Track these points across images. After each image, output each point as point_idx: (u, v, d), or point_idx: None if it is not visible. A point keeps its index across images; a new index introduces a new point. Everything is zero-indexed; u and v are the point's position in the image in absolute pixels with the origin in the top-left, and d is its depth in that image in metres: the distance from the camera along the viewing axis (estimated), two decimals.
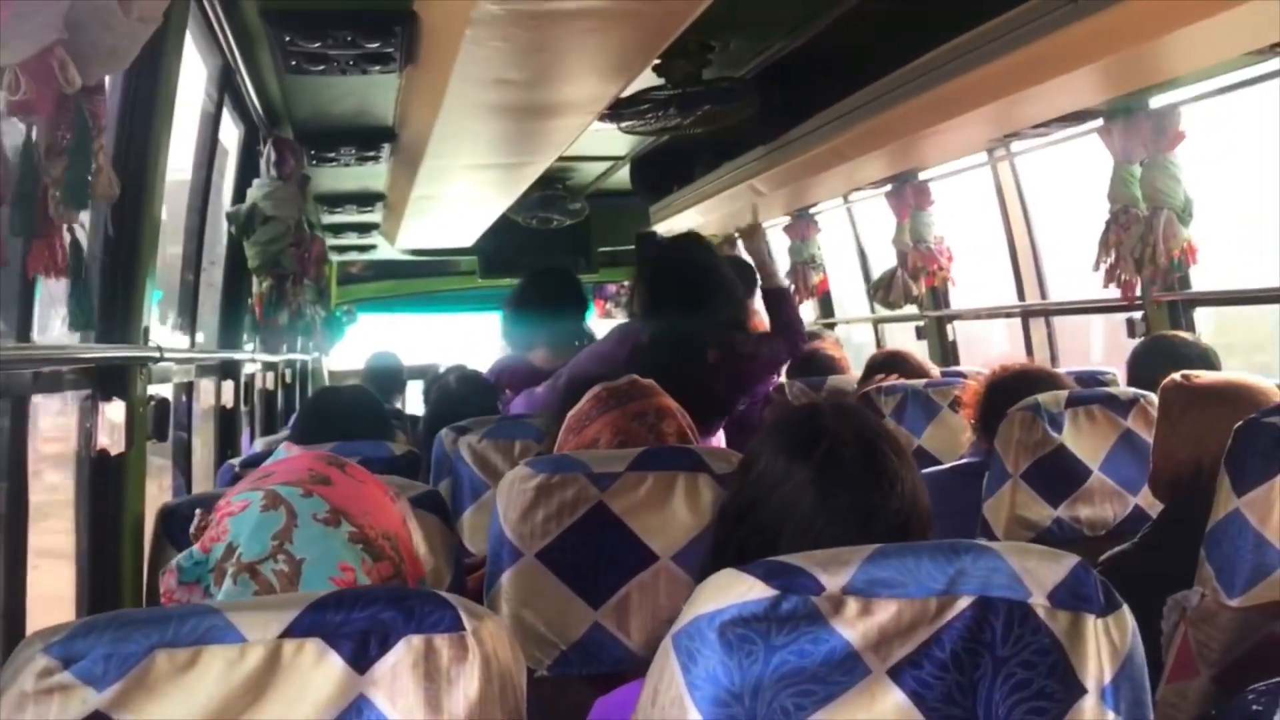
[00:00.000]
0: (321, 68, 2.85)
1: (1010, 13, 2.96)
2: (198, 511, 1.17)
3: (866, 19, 3.57)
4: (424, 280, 8.78)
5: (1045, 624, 0.91)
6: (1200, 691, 1.83)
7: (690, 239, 3.43)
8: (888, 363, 3.66)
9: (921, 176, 4.84)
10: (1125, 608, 0.93)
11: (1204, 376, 2.12)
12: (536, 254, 7.11)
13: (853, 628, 0.90)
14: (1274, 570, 1.82)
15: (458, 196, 5.00)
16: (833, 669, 0.90)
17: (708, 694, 0.89)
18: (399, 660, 0.90)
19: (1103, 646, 0.92)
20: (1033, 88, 3.13)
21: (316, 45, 2.61)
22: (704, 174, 5.66)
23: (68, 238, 1.49)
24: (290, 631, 0.89)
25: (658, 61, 3.72)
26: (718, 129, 4.21)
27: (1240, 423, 1.85)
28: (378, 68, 2.92)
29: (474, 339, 8.75)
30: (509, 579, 1.70)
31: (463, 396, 3.22)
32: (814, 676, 0.90)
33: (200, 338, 3.70)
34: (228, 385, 3.83)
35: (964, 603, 0.91)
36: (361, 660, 0.90)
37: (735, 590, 0.91)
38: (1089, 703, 0.91)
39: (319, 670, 0.89)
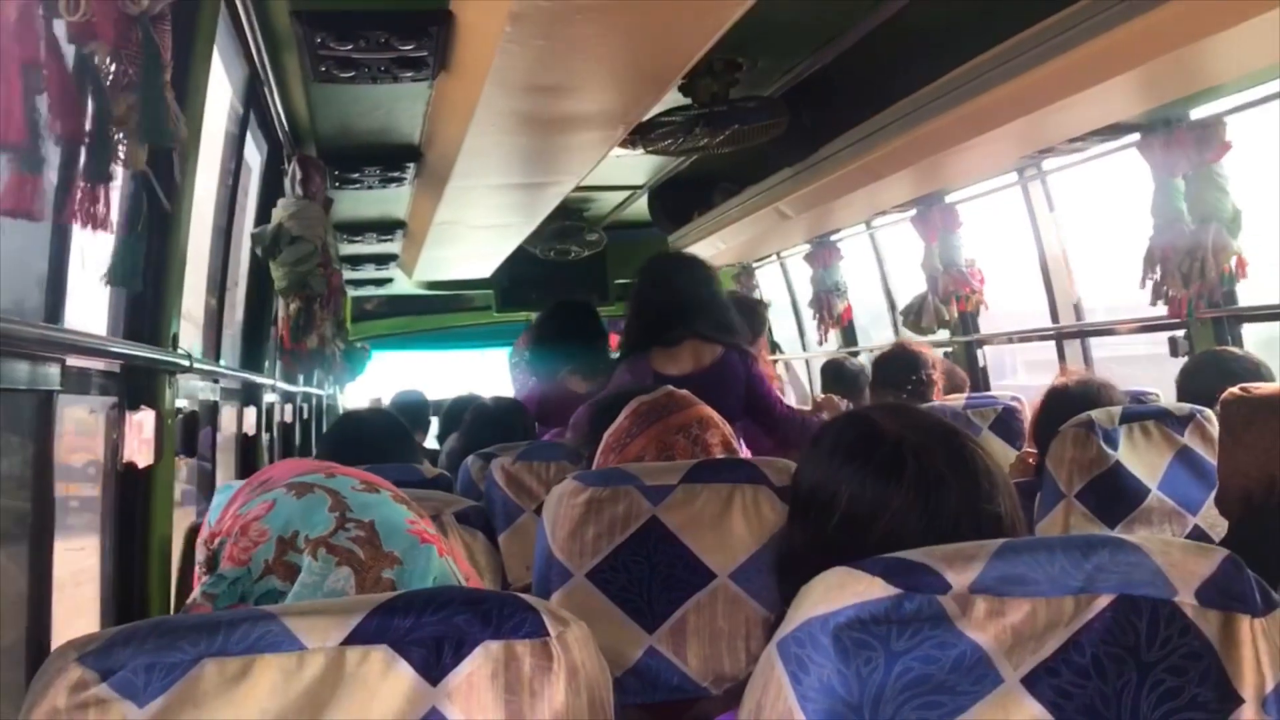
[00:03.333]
0: (352, 74, 2.78)
1: (1042, 23, 2.91)
2: (200, 543, 1.07)
3: (894, 35, 3.52)
4: (438, 316, 8.73)
5: (1195, 624, 0.81)
6: None
7: (683, 256, 3.41)
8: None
9: (949, 199, 4.77)
10: None
11: (1264, 388, 2.05)
12: (553, 287, 7.07)
13: (983, 630, 0.80)
14: None
15: (479, 222, 4.95)
16: (962, 676, 0.79)
17: (822, 707, 0.79)
18: (476, 669, 0.80)
19: (1261, 650, 0.82)
20: (1066, 99, 3.07)
21: (349, 48, 2.54)
22: (724, 200, 5.60)
23: (127, 188, 1.35)
24: (354, 638, 0.79)
25: (684, 81, 3.67)
26: (742, 151, 4.15)
27: None
28: (410, 74, 2.86)
29: (489, 374, 8.67)
30: (558, 600, 1.60)
31: (499, 420, 3.14)
32: (941, 685, 0.79)
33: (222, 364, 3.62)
34: (250, 411, 3.74)
35: (1103, 601, 0.81)
36: (434, 670, 0.80)
37: (852, 589, 0.81)
38: (1248, 713, 0.81)
39: (386, 681, 0.79)
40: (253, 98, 3.31)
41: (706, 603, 1.61)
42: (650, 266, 3.22)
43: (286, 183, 3.62)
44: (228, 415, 3.57)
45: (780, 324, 6.98)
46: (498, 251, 6.26)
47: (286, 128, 3.67)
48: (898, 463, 1.07)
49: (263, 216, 3.79)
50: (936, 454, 1.08)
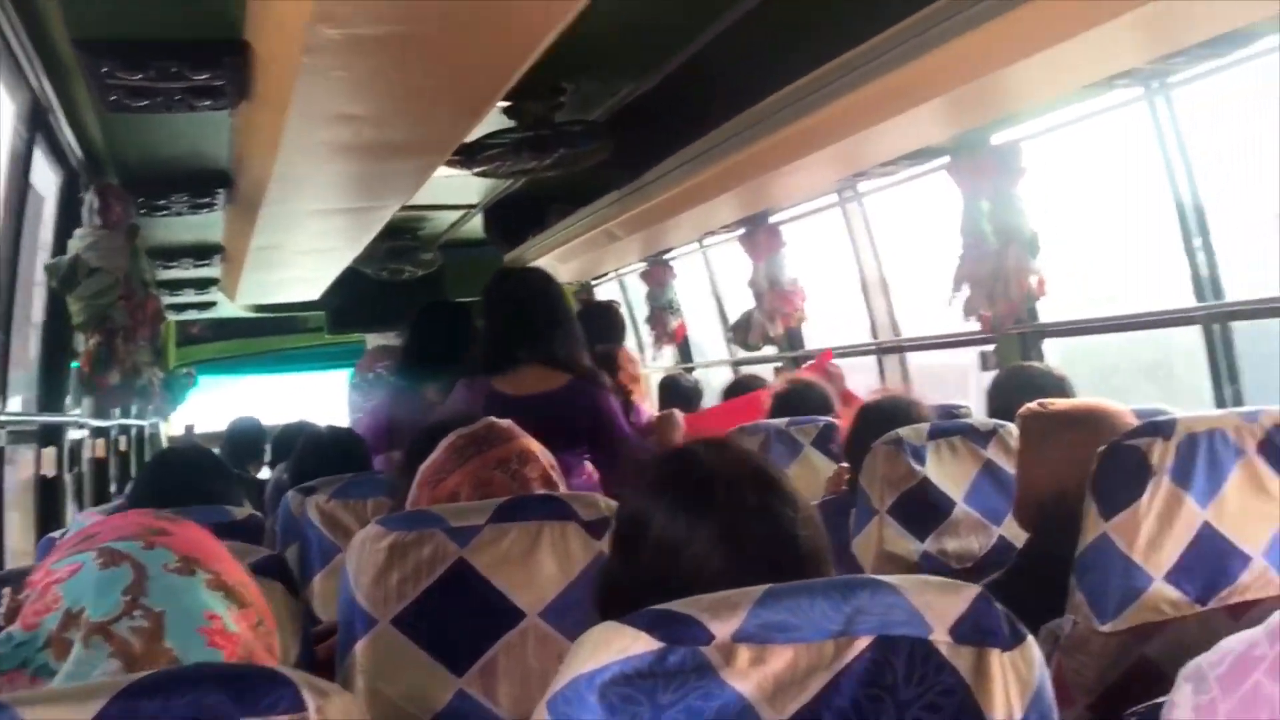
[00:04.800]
0: (145, 103, 2.65)
1: (855, 50, 3.01)
2: (5, 591, 1.00)
3: (715, 61, 3.58)
4: (269, 339, 8.47)
5: (949, 662, 0.85)
6: None
7: (532, 274, 3.19)
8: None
9: (777, 218, 4.89)
10: (1031, 639, 0.87)
11: (1061, 403, 2.14)
12: (387, 307, 6.92)
13: (746, 679, 0.82)
14: (1143, 592, 1.83)
15: (302, 246, 4.81)
16: None
17: None
18: None
19: (1010, 682, 0.86)
20: (879, 124, 3.18)
21: (138, 77, 2.43)
22: (558, 220, 5.60)
23: None
24: None
25: (509, 104, 3.66)
26: (573, 173, 4.16)
27: (1104, 446, 1.86)
28: (208, 103, 2.74)
29: (324, 398, 8.44)
30: (363, 649, 1.56)
31: (329, 451, 2.99)
32: None
33: (16, 404, 3.41)
34: (49, 452, 3.53)
35: (862, 643, 0.84)
36: None
37: (616, 645, 0.81)
38: None
39: None
40: (39, 125, 3.13)
41: (517, 643, 1.60)
42: (497, 283, 3.05)
43: (84, 212, 3.44)
44: (26, 456, 3.37)
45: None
46: (326, 274, 6.11)
47: (81, 156, 3.49)
48: (708, 493, 1.10)
49: (60, 248, 3.60)
50: (745, 485, 1.11)
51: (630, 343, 7.16)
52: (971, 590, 0.88)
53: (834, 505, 2.66)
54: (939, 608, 0.86)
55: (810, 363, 4.18)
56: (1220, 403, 3.02)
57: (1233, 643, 1.37)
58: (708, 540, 1.08)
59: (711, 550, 1.07)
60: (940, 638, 0.85)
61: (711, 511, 1.09)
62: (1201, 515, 1.85)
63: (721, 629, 0.82)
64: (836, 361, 3.97)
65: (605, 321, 3.77)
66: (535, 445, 1.84)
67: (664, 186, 4.36)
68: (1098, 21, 2.32)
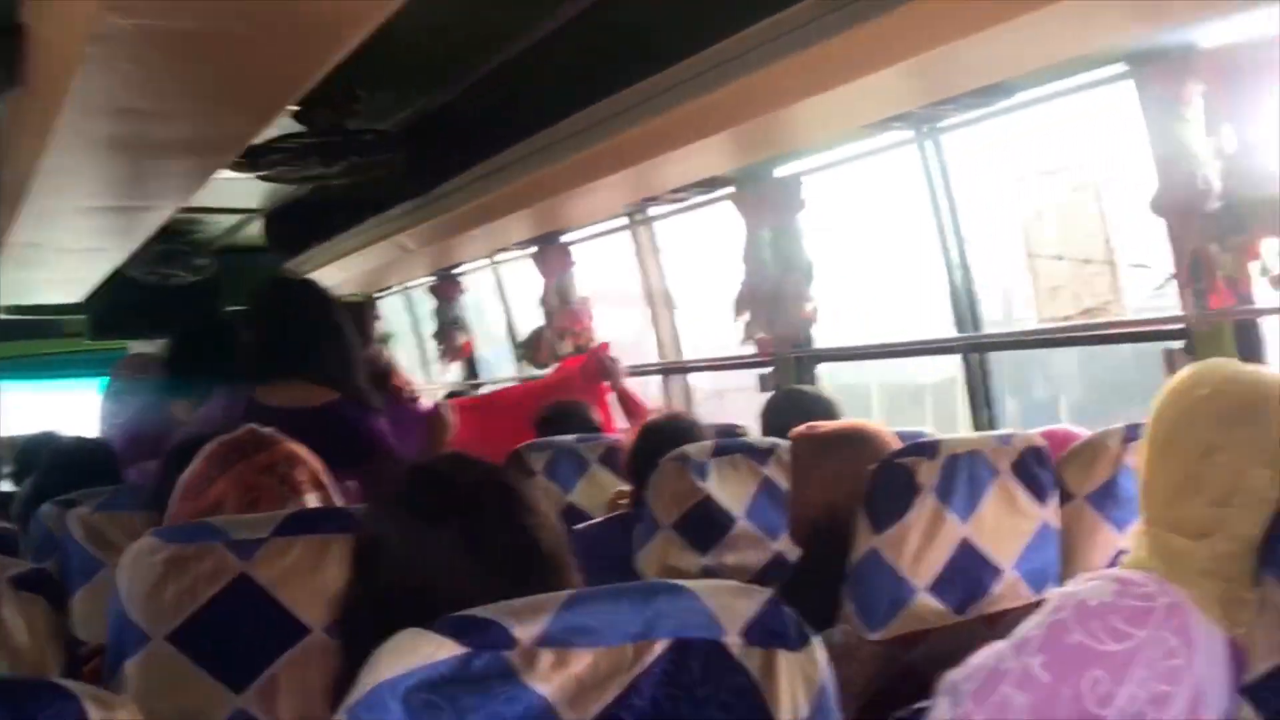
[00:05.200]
0: None
1: (646, 81, 3.09)
2: None
3: (514, 79, 3.60)
4: (22, 343, 7.87)
5: (740, 662, 0.89)
6: None
7: (299, 285, 3.11)
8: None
9: (569, 238, 4.94)
10: (817, 640, 0.92)
11: (828, 425, 2.26)
12: (156, 314, 6.56)
13: (548, 682, 0.83)
14: (909, 603, 1.94)
15: (67, 245, 4.51)
16: None
17: None
18: None
19: (796, 682, 0.90)
20: (669, 153, 3.28)
21: None
22: (345, 229, 5.47)
23: None
24: None
25: (299, 108, 3.56)
26: (363, 182, 4.08)
27: (876, 464, 1.98)
28: None
29: (80, 407, 7.91)
30: (134, 667, 1.47)
31: (78, 462, 2.82)
32: None
33: None
34: None
35: (661, 646, 0.87)
36: None
37: (421, 651, 0.81)
38: None
39: None
40: None
41: (300, 659, 1.55)
42: (268, 291, 2.95)
43: None
44: None
45: (404, 356, 6.91)
46: (91, 276, 5.75)
47: None
48: (445, 504, 1.11)
49: None
50: (483, 494, 1.13)
51: (415, 357, 7.08)
52: (763, 594, 0.92)
53: (617, 523, 2.71)
54: (732, 610, 0.90)
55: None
56: (978, 426, 3.25)
57: (983, 657, 1.49)
58: (448, 550, 1.09)
59: (452, 560, 1.08)
60: (732, 639, 0.89)
61: (449, 521, 1.10)
62: (961, 531, 1.99)
63: (525, 633, 0.83)
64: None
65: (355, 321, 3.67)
66: (303, 449, 1.79)
67: (457, 201, 4.33)
68: (875, 68, 2.47)
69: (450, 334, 6.05)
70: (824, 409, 2.89)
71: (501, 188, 3.96)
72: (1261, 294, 2.45)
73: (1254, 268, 2.37)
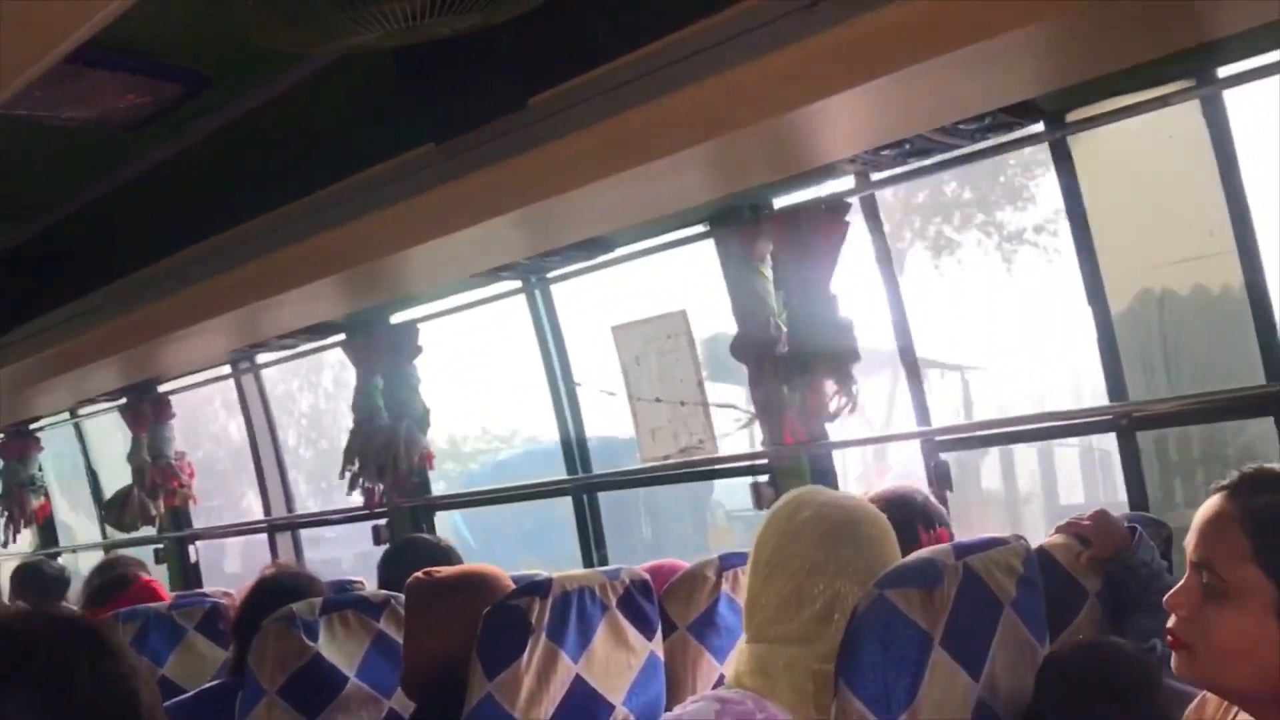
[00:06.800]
0: None
1: (250, 223, 3.02)
2: None
3: (102, 218, 3.39)
4: None
5: None
6: None
7: None
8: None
9: (162, 389, 4.63)
10: None
11: (445, 570, 2.23)
12: None
13: None
14: None
15: None
16: None
17: None
18: None
19: None
20: (274, 297, 3.19)
21: None
22: None
23: None
24: None
25: None
26: None
27: (489, 608, 1.97)
28: None
29: None
30: None
31: None
32: None
33: None
34: None
35: None
36: None
37: None
38: None
39: None
40: None
41: None
42: None
43: None
44: None
45: None
46: None
47: None
48: (26, 662, 1.04)
49: None
50: (67, 647, 1.06)
51: None
52: None
53: (220, 691, 2.49)
54: None
55: None
56: (589, 563, 3.33)
57: None
58: (29, 710, 1.01)
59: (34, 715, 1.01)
60: None
61: (28, 675, 1.03)
62: (574, 669, 2.01)
63: None
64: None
65: None
66: None
67: (32, 348, 3.95)
68: (483, 217, 2.56)
69: (22, 496, 5.42)
70: (440, 556, 2.85)
71: (86, 333, 3.66)
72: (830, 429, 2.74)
73: (818, 406, 2.64)
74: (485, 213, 2.54)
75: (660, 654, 2.17)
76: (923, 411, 2.70)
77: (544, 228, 2.78)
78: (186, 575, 4.73)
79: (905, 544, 1.68)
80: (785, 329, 2.65)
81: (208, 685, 2.59)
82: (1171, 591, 1.25)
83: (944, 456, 2.66)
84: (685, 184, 2.48)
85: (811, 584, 1.54)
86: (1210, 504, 1.23)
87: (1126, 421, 2.35)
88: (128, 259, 3.44)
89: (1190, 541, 1.24)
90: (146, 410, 4.59)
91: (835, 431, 2.75)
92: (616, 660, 2.09)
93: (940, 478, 2.63)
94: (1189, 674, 1.24)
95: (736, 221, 2.75)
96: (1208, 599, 1.20)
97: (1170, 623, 1.25)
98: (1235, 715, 1.26)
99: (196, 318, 3.42)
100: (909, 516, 2.04)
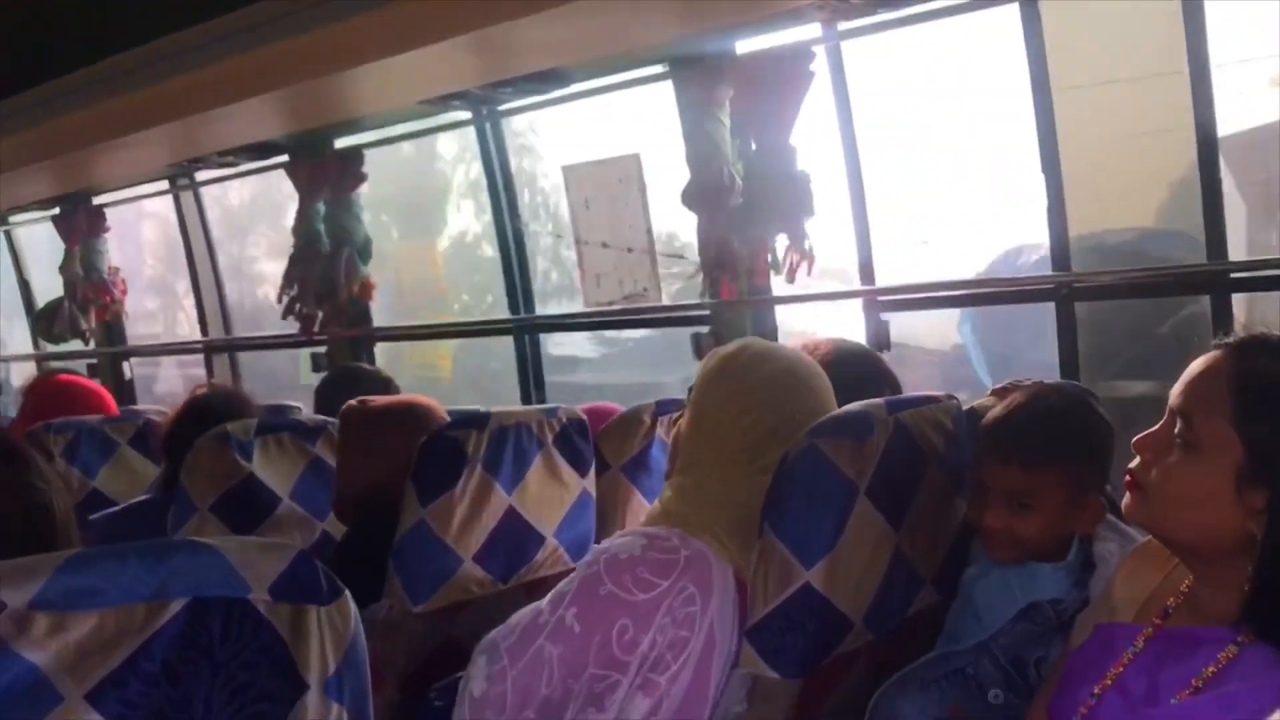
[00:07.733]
0: None
1: (186, 30, 2.87)
2: None
3: (41, 11, 3.21)
4: None
5: (267, 619, 0.84)
6: (387, 701, 1.89)
7: None
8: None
9: (97, 201, 4.49)
10: (348, 594, 0.89)
11: (380, 400, 2.23)
12: None
13: (43, 649, 0.74)
14: (453, 574, 1.96)
15: None
16: (18, 700, 0.73)
17: None
18: None
19: (326, 637, 0.87)
20: (212, 110, 3.07)
21: None
22: None
23: None
24: None
25: None
26: None
27: (425, 437, 1.97)
28: None
29: None
30: None
31: None
32: None
33: None
34: None
35: (177, 606, 0.80)
36: None
37: None
38: (312, 699, 0.86)
39: None
40: None
41: None
42: None
43: None
44: None
45: None
46: None
47: None
48: None
49: None
50: None
51: None
52: (293, 549, 0.88)
53: (149, 506, 2.50)
54: (260, 567, 0.85)
55: None
56: (527, 403, 3.35)
57: (521, 615, 1.53)
58: None
59: None
60: (259, 596, 0.84)
61: None
62: (507, 500, 2.04)
63: (16, 596, 0.74)
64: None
65: None
66: None
67: None
68: (430, 39, 2.46)
69: None
70: (378, 386, 2.85)
71: (13, 136, 3.51)
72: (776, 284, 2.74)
73: (768, 259, 2.63)
74: (433, 34, 2.44)
75: (593, 491, 2.21)
76: (867, 272, 2.71)
77: (497, 55, 2.69)
78: (121, 391, 4.69)
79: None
80: (740, 179, 2.61)
81: (137, 500, 2.60)
82: (1143, 434, 1.24)
83: (884, 317, 2.68)
84: (646, 18, 2.40)
85: (741, 420, 1.56)
86: (1205, 357, 1.21)
87: (1067, 291, 2.38)
88: (59, 62, 3.28)
89: (1175, 389, 1.22)
90: (80, 221, 4.47)
91: (778, 287, 2.75)
92: (550, 494, 2.13)
93: (879, 337, 2.65)
94: (1137, 516, 1.25)
95: (698, 64, 2.68)
96: (1176, 448, 1.19)
97: (1132, 464, 1.24)
98: (1176, 565, 1.28)
99: (131, 127, 3.29)
100: (874, 376, 1.96)
